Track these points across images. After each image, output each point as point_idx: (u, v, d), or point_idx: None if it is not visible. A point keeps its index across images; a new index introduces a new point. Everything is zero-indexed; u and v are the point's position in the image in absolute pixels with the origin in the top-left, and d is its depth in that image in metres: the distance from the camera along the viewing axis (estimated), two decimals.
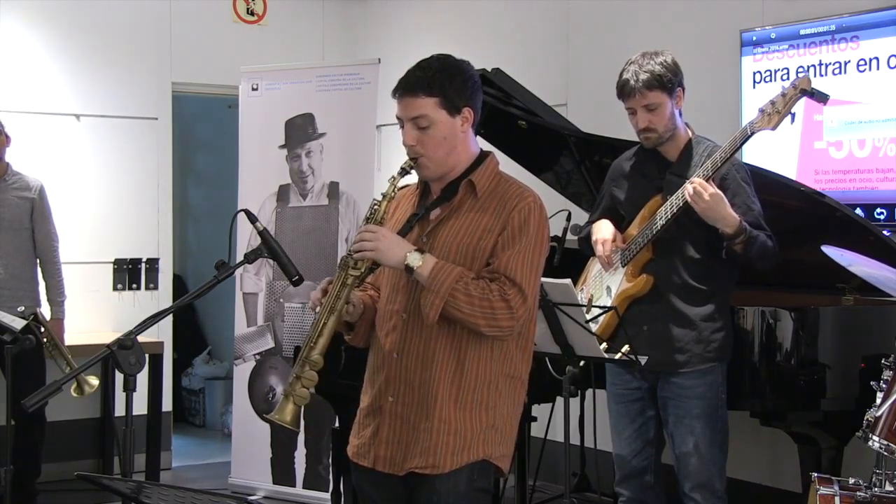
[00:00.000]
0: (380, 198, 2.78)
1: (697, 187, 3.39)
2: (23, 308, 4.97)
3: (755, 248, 3.48)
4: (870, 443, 2.97)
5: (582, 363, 3.54)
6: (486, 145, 2.92)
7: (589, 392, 4.72)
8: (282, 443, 5.77)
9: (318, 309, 2.76)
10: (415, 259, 2.66)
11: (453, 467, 2.70)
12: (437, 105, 2.71)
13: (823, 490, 2.99)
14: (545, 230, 2.74)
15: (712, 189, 3.39)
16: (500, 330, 2.67)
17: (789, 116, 3.44)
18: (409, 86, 2.73)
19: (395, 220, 2.85)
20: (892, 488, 3.02)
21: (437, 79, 2.71)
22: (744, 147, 3.51)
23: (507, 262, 2.67)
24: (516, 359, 2.78)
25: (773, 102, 3.36)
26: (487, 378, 2.73)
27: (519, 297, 2.65)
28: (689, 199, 3.41)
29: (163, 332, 6.28)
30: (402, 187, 2.89)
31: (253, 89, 6.02)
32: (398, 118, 2.77)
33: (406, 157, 2.78)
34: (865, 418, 3.03)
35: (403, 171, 2.76)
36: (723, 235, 3.46)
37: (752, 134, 3.41)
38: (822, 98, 3.36)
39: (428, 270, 2.65)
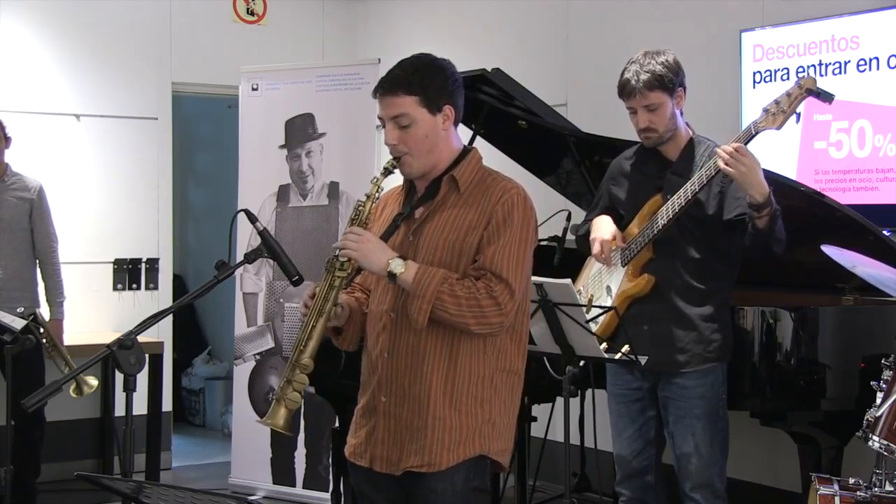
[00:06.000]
0: (364, 199, 2.78)
1: (735, 152, 3.31)
2: (22, 309, 4.97)
3: (778, 225, 3.43)
4: (870, 443, 2.97)
5: (582, 363, 3.54)
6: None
7: (589, 392, 4.72)
8: (282, 443, 5.77)
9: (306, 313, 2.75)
10: (397, 266, 2.66)
11: (450, 464, 2.70)
12: (417, 103, 2.71)
13: (823, 490, 2.99)
14: (531, 222, 2.73)
15: (750, 152, 3.35)
16: (490, 327, 2.66)
17: (794, 116, 3.42)
18: (389, 85, 2.73)
19: (382, 221, 2.85)
20: (892, 488, 3.02)
21: (416, 77, 2.71)
22: None
23: (492, 258, 2.66)
24: (511, 352, 2.77)
25: (777, 102, 3.34)
26: (481, 373, 2.72)
27: (506, 292, 2.64)
28: (722, 166, 3.34)
29: (163, 332, 6.28)
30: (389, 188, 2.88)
31: (253, 89, 6.02)
32: (379, 118, 2.77)
33: (389, 157, 2.78)
34: (865, 418, 3.04)
35: (387, 171, 2.76)
36: (752, 204, 3.38)
37: (757, 133, 3.39)
38: (827, 98, 3.34)
39: (411, 276, 2.64)
